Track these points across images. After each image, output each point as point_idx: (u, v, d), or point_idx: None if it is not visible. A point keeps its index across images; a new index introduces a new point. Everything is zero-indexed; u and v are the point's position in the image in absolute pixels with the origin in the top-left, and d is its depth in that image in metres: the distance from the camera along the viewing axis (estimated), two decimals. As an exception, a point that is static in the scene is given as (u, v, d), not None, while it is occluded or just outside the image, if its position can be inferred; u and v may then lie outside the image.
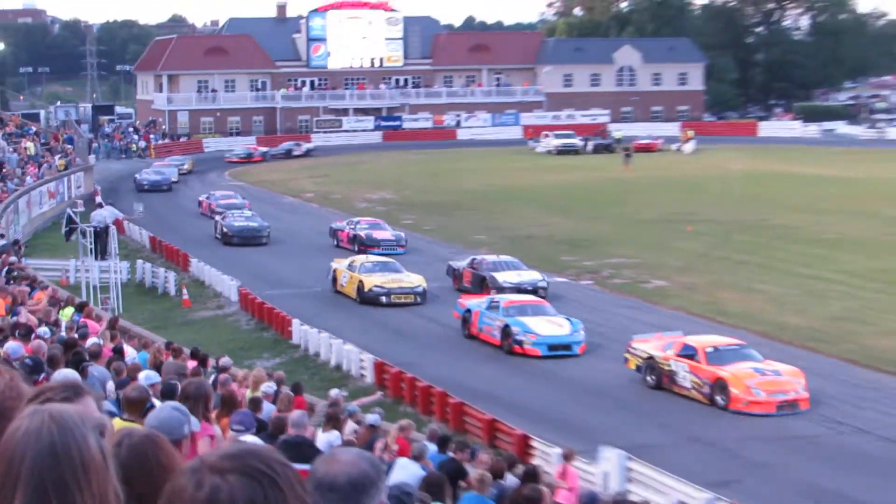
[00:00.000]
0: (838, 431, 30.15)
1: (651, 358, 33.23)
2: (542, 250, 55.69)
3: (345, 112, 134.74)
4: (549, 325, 37.54)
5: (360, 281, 45.48)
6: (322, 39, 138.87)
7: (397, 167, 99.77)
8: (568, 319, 38.23)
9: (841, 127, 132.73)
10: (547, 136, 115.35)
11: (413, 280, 46.08)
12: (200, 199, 75.17)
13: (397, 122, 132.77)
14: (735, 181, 79.74)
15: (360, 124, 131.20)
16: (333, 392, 23.79)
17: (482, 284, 45.32)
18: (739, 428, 30.36)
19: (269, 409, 17.96)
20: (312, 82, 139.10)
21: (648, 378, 33.14)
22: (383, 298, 44.70)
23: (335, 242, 59.64)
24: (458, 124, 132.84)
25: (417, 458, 16.28)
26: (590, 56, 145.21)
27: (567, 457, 22.23)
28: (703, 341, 33.39)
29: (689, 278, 49.68)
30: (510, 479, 17.10)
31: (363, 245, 56.41)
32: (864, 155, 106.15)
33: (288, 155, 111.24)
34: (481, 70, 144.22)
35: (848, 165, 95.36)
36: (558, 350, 36.77)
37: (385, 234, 58.61)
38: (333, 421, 18.08)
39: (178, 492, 2.72)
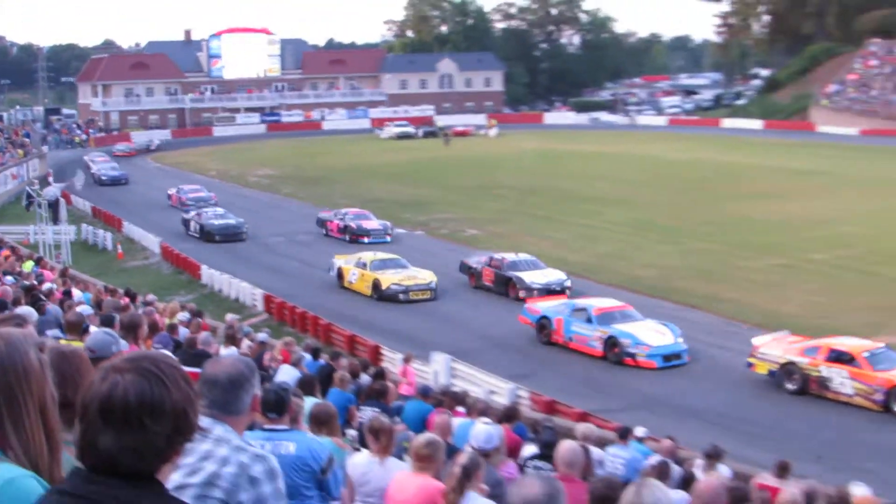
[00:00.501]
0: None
1: (791, 363, 25.00)
2: (387, 209, 55.56)
3: (237, 110, 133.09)
4: (656, 334, 28.06)
5: (377, 279, 36.02)
6: (219, 56, 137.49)
7: (278, 151, 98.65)
8: (665, 325, 28.81)
9: (604, 116, 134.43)
10: (388, 125, 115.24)
11: (426, 276, 36.51)
12: (170, 192, 62.54)
13: (277, 117, 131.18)
14: (528, 158, 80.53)
15: (250, 119, 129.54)
16: (229, 317, 23.55)
17: (507, 285, 35.77)
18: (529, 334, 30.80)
19: (184, 333, 17.73)
20: (213, 88, 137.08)
21: (789, 385, 24.92)
22: (401, 296, 35.50)
23: (324, 232, 49.52)
24: (322, 118, 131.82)
25: (295, 364, 16.23)
26: (419, 66, 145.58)
27: (407, 360, 22.33)
28: (853, 345, 24.90)
29: (496, 228, 50.02)
30: (364, 378, 17.11)
31: (354, 234, 47.42)
32: (621, 136, 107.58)
33: (147, 149, 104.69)
34: (339, 78, 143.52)
35: (610, 144, 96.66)
36: (671, 360, 27.54)
37: (373, 223, 48.51)
38: (231, 339, 17.89)
39: (89, 386, 2.73)
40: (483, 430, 8.85)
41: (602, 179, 68.10)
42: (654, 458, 13.58)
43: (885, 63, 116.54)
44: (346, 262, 38.28)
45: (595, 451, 13.43)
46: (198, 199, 58.86)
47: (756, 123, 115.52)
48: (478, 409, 14.68)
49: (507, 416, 13.77)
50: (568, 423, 19.08)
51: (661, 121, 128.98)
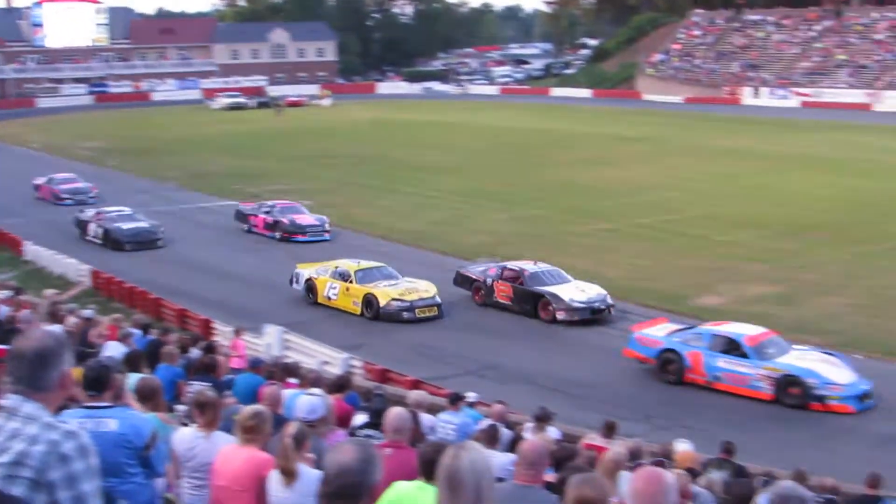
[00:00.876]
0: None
1: None
2: (217, 181, 54.82)
3: (63, 81, 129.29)
4: (835, 369, 22.33)
5: (371, 294, 29.33)
6: (42, 25, 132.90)
7: (106, 122, 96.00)
8: (829, 353, 23.27)
9: (436, 85, 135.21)
10: (219, 96, 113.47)
11: (427, 288, 30.01)
12: (38, 182, 52.00)
13: (105, 88, 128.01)
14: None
15: (76, 90, 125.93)
16: (48, 292, 22.91)
17: (535, 303, 29.06)
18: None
19: (4, 311, 17.20)
20: (36, 58, 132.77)
21: None
22: (405, 314, 28.90)
23: (246, 228, 42.10)
24: (151, 89, 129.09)
25: (123, 340, 15.92)
26: (251, 36, 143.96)
27: (237, 333, 22.14)
28: None
29: (329, 198, 49.66)
30: (194, 352, 16.90)
31: (287, 232, 40.34)
32: (453, 105, 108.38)
33: None
34: (168, 48, 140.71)
35: (442, 113, 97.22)
36: (865, 402, 21.97)
37: (308, 218, 41.41)
38: (54, 316, 17.42)
39: None
40: (306, 401, 8.85)
41: (434, 148, 68.46)
42: (485, 423, 13.78)
43: (708, 33, 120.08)
44: (318, 272, 31.25)
45: (426, 418, 13.56)
46: (75, 191, 49.99)
47: (585, 92, 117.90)
48: (309, 379, 14.67)
49: (339, 385, 13.78)
50: (401, 391, 19.22)
51: (492, 90, 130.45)
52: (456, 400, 15.28)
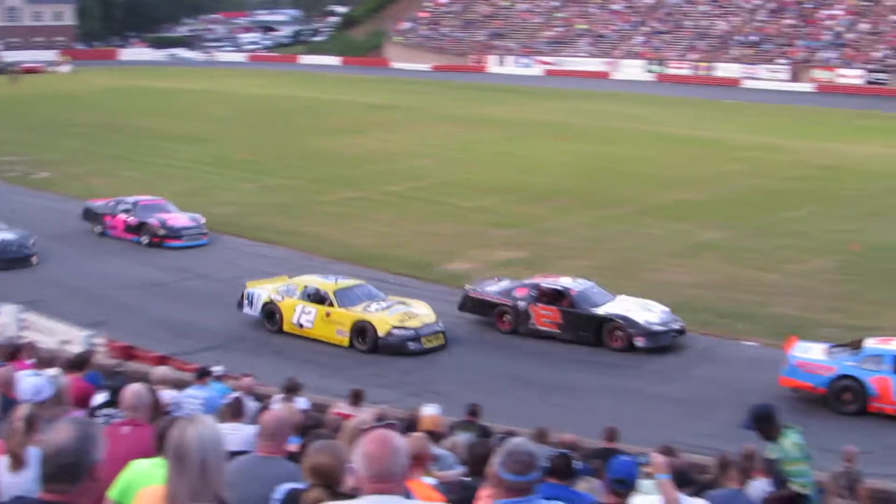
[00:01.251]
0: (184, 278, 30.46)
1: None
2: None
3: None
4: None
5: (365, 322, 23.84)
6: None
7: None
8: None
9: (182, 52, 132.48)
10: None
11: (425, 311, 24.68)
12: None
13: None
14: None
15: None
16: None
17: (598, 330, 23.91)
18: (114, 275, 30.02)
19: None
20: None
21: None
22: (411, 345, 23.64)
23: (100, 230, 35.07)
24: None
25: None
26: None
27: (-32, 313, 21.22)
28: None
29: (70, 169, 47.96)
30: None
31: (158, 237, 33.58)
32: (200, 73, 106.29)
33: None
34: None
35: (189, 81, 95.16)
36: None
37: (181, 219, 34.47)
38: None
39: None
40: (31, 383, 8.60)
41: (181, 116, 67.09)
42: (231, 396, 13.70)
43: (454, 2, 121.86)
44: (279, 293, 25.53)
45: (171, 394, 13.36)
46: None
47: (334, 60, 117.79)
48: (45, 359, 14.19)
49: (77, 364, 13.39)
50: (146, 368, 18.85)
51: (240, 57, 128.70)
52: (203, 374, 15.14)
